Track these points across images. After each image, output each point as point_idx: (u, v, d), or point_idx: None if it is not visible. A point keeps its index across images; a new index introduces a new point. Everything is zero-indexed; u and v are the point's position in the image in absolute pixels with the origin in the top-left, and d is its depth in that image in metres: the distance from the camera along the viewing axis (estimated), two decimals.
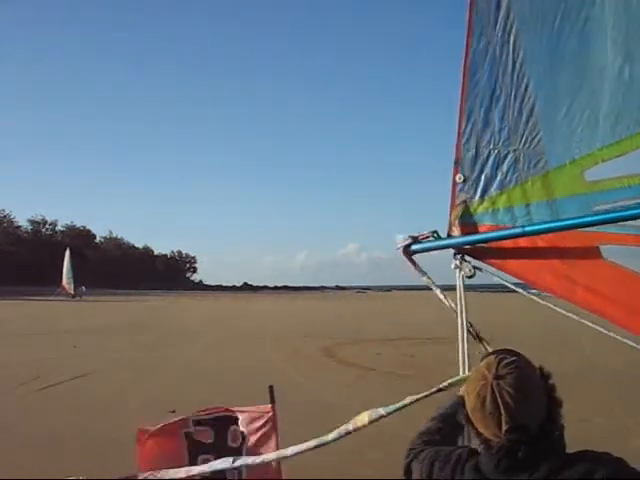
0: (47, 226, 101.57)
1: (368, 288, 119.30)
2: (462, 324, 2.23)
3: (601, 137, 2.05)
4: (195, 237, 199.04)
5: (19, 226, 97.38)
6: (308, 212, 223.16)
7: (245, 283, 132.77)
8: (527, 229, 2.14)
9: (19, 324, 25.28)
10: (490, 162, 2.24)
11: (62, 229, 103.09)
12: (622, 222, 1.97)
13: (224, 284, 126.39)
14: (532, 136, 2.17)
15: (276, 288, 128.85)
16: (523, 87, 2.16)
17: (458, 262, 2.24)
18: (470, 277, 2.23)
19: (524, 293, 2.34)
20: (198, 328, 23.44)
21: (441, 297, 2.32)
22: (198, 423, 3.01)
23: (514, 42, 2.15)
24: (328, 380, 11.81)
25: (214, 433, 3.00)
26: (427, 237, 2.31)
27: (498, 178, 2.24)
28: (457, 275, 2.24)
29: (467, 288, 2.24)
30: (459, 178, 2.29)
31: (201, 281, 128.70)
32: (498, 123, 2.22)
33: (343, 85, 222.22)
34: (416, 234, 2.32)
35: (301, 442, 2.13)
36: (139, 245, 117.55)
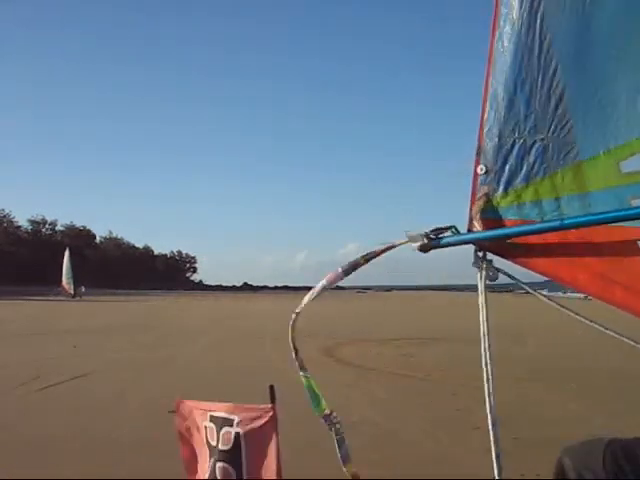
0: (47, 226, 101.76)
1: (368, 288, 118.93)
2: (485, 330, 2.01)
3: (638, 126, 1.90)
4: (195, 237, 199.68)
5: (19, 226, 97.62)
6: (308, 212, 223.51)
7: (245, 283, 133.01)
8: (566, 222, 1.93)
9: (19, 324, 25.26)
10: (515, 152, 2.07)
11: (62, 229, 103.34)
12: None
13: (224, 284, 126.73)
14: (562, 124, 2.00)
15: (276, 288, 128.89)
16: (551, 71, 2.00)
17: (480, 261, 2.04)
18: (493, 280, 2.04)
19: (536, 294, 2.17)
20: (198, 328, 23.41)
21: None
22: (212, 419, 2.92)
23: (540, 24, 2.01)
24: (328, 380, 11.78)
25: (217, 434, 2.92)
26: (443, 232, 2.09)
27: (524, 169, 2.06)
28: (478, 275, 2.04)
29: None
30: (481, 169, 2.10)
31: (201, 281, 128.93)
32: (524, 110, 2.05)
33: (343, 85, 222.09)
34: (434, 227, 2.10)
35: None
36: (139, 245, 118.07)
